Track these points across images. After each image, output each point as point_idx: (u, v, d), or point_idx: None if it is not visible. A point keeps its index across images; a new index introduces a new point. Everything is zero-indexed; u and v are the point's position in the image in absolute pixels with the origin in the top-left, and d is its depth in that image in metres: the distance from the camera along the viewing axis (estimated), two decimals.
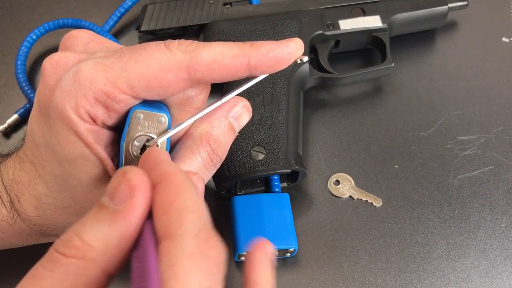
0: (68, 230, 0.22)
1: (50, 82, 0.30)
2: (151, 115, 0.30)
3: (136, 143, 0.30)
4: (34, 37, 0.51)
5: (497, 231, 0.43)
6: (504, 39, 0.55)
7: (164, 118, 0.30)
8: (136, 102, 0.30)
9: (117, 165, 0.31)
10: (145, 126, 0.30)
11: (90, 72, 0.29)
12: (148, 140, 0.30)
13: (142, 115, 0.30)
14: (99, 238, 0.22)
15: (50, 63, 0.31)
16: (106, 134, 0.31)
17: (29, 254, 0.39)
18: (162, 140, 0.30)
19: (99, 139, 0.30)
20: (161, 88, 0.29)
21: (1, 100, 0.50)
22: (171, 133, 0.30)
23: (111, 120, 0.30)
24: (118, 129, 0.32)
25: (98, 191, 0.31)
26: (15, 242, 0.35)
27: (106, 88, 0.29)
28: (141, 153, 0.30)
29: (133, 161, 0.30)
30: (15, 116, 0.48)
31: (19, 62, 0.50)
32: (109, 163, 0.31)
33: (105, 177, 0.31)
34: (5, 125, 0.48)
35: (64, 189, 0.31)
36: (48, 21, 0.51)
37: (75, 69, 0.29)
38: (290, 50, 0.30)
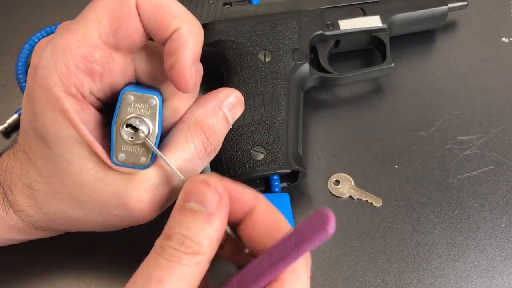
0: (173, 234, 0.27)
1: (33, 64, 0.31)
2: (142, 97, 0.30)
3: (127, 129, 0.30)
4: (36, 40, 0.51)
5: (497, 231, 0.43)
6: (504, 39, 0.55)
7: (155, 100, 0.30)
8: (114, 55, 0.31)
9: (108, 149, 0.31)
10: (136, 108, 0.30)
11: (63, 41, 0.30)
12: (140, 123, 0.30)
13: (132, 97, 0.30)
14: (206, 237, 0.27)
15: (35, 48, 0.32)
16: (94, 115, 0.31)
17: (29, 254, 0.39)
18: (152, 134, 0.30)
19: (86, 120, 0.30)
20: (121, 29, 0.30)
21: (1, 100, 0.50)
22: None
23: (97, 86, 0.31)
24: (110, 116, 0.31)
25: (88, 173, 0.31)
26: (7, 236, 0.35)
27: (81, 50, 0.30)
28: (132, 138, 0.30)
29: (124, 144, 0.30)
30: (15, 116, 0.48)
31: (19, 63, 0.50)
32: (95, 145, 0.30)
33: (95, 158, 0.31)
34: (5, 125, 0.48)
35: (55, 173, 0.31)
36: (50, 25, 0.52)
37: (51, 44, 0.30)
38: None
